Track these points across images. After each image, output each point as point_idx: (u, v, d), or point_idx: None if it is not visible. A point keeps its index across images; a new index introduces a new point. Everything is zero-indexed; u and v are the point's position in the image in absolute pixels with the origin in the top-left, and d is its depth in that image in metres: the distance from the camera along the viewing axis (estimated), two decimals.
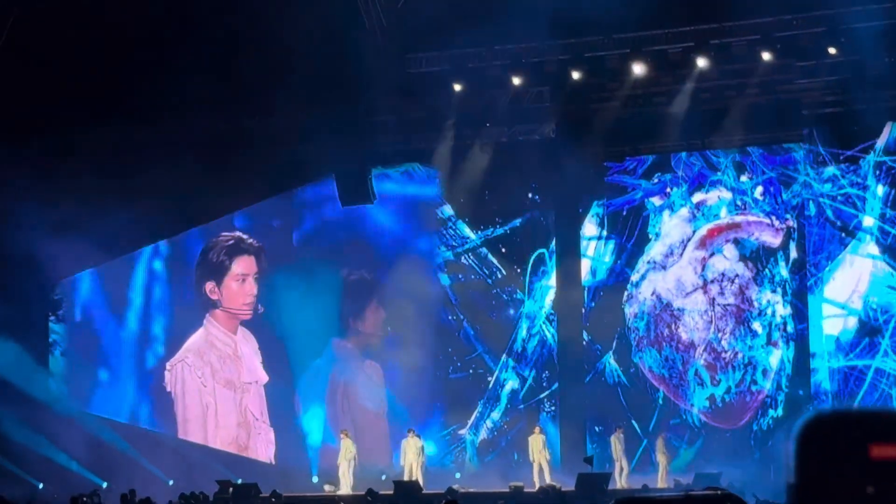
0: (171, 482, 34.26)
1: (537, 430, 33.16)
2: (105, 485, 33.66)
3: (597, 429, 34.10)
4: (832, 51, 31.43)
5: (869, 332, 32.61)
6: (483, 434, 35.61)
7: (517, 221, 35.88)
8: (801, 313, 33.26)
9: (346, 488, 32.58)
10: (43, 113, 33.57)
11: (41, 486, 34.24)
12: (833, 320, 32.95)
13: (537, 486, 31.24)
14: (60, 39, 32.66)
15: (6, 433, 34.34)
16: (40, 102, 33.33)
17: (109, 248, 36.11)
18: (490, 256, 36.01)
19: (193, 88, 32.87)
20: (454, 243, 36.31)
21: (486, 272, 36.01)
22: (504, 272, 35.88)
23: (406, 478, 31.99)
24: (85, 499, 28.22)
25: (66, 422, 35.30)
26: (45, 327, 37.18)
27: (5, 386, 34.57)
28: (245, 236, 37.27)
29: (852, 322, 32.78)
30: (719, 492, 19.07)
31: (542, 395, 35.26)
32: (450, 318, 36.22)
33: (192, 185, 34.06)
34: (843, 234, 32.97)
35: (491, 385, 35.67)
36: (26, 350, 35.20)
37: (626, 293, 34.75)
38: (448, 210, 36.42)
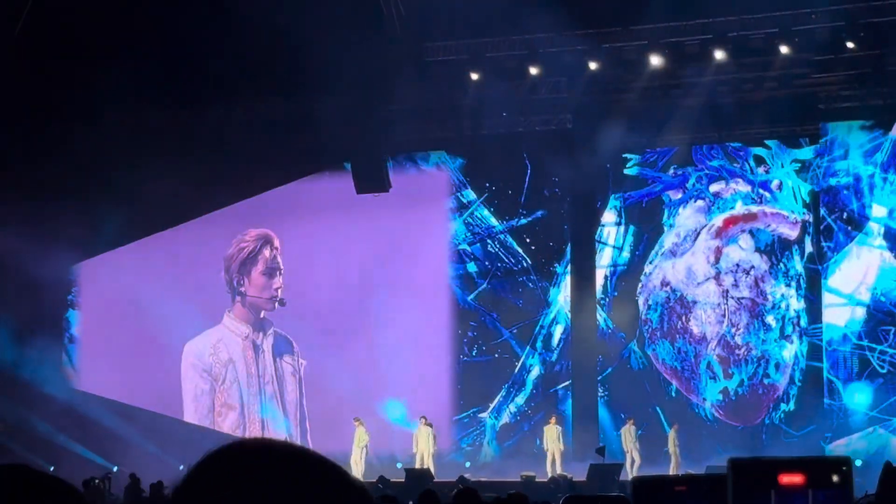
0: (182, 467, 34.28)
1: (553, 420, 33.21)
2: (115, 468, 33.74)
3: (622, 416, 34.08)
4: (850, 45, 31.40)
5: (877, 322, 32.64)
6: (505, 418, 35.66)
7: (539, 211, 35.95)
8: (814, 307, 33.27)
9: (357, 475, 32.58)
10: (50, 100, 33.65)
11: (52, 468, 34.34)
12: (840, 310, 32.92)
13: (549, 476, 31.26)
14: (75, 25, 32.74)
15: (20, 419, 34.46)
16: (56, 87, 33.41)
17: (120, 235, 36.20)
18: (514, 244, 36.07)
19: (208, 75, 32.96)
20: (479, 230, 36.37)
21: (512, 259, 36.08)
22: (528, 260, 35.95)
23: (417, 466, 32.02)
24: (97, 481, 28.31)
25: (76, 406, 35.43)
26: (59, 313, 37.29)
27: (17, 372, 34.70)
28: (271, 232, 37.47)
29: (860, 312, 32.78)
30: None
31: (566, 383, 35.23)
32: (475, 302, 36.24)
33: (206, 172, 34.11)
34: (853, 226, 32.97)
35: (517, 370, 35.73)
36: (39, 336, 35.30)
37: (640, 284, 34.82)
38: (471, 196, 36.47)
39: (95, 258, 37.40)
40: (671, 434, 32.64)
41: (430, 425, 33.03)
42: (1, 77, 33.01)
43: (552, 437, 32.72)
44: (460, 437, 35.61)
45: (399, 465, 33.40)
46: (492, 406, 35.80)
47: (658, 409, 34.17)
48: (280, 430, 36.75)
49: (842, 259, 32.87)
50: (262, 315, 37.26)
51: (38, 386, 35.37)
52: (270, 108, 34.84)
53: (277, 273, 37.38)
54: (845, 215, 33.04)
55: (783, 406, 33.36)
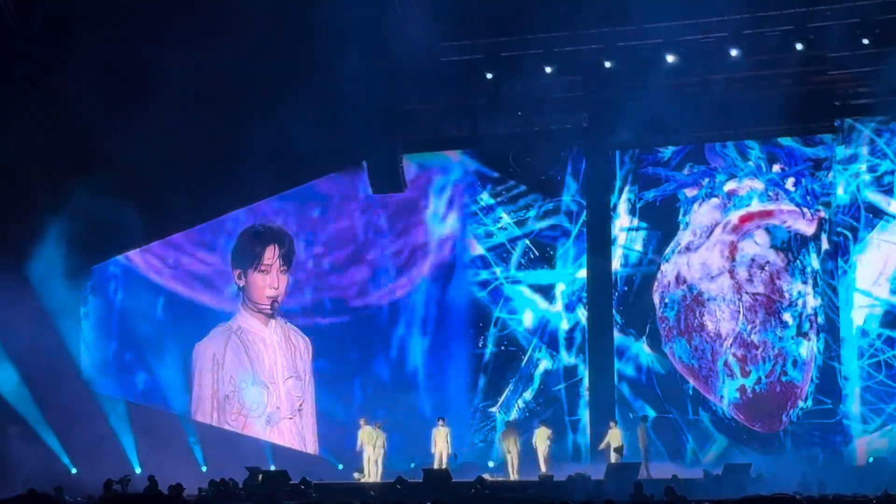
0: (204, 468, 34.43)
1: (543, 424, 33.11)
2: (139, 470, 33.81)
3: (630, 416, 34.09)
4: (865, 41, 31.35)
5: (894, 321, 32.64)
6: (514, 414, 35.64)
7: (551, 204, 35.95)
8: (832, 304, 33.21)
9: (374, 476, 32.66)
10: (68, 100, 33.73)
11: (74, 470, 34.42)
12: (862, 310, 32.89)
13: (512, 476, 31.60)
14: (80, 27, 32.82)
15: (46, 414, 34.54)
16: (71, 86, 33.49)
17: (145, 232, 36.24)
18: (527, 241, 36.08)
19: (228, 75, 33.00)
20: (492, 227, 36.39)
21: (523, 254, 36.08)
22: (537, 253, 35.95)
23: (436, 466, 32.02)
24: (116, 484, 28.41)
25: (100, 405, 35.50)
26: (77, 312, 37.35)
27: (43, 368, 34.77)
28: (273, 224, 37.43)
29: (879, 311, 32.75)
30: None
31: (576, 379, 35.23)
32: (486, 297, 36.27)
33: (220, 172, 34.17)
34: (873, 220, 32.94)
35: (524, 364, 35.75)
36: (63, 333, 35.37)
37: (655, 281, 34.78)
38: (485, 194, 36.47)
39: (114, 259, 37.43)
40: (639, 432, 32.27)
41: (448, 426, 33.02)
42: (15, 70, 33.23)
43: (542, 439, 32.62)
44: (472, 434, 35.50)
45: (412, 465, 33.35)
46: (501, 400, 35.85)
47: (672, 409, 34.14)
48: (294, 424, 36.78)
49: (864, 256, 32.85)
50: (270, 311, 37.19)
51: (65, 384, 35.41)
52: (286, 108, 34.88)
53: (282, 269, 37.23)
54: (861, 212, 33.02)
55: (801, 404, 33.31)
